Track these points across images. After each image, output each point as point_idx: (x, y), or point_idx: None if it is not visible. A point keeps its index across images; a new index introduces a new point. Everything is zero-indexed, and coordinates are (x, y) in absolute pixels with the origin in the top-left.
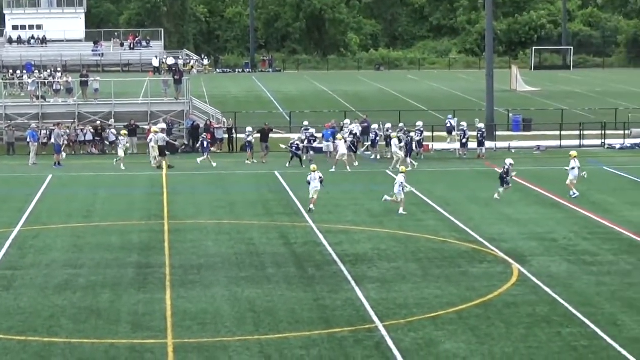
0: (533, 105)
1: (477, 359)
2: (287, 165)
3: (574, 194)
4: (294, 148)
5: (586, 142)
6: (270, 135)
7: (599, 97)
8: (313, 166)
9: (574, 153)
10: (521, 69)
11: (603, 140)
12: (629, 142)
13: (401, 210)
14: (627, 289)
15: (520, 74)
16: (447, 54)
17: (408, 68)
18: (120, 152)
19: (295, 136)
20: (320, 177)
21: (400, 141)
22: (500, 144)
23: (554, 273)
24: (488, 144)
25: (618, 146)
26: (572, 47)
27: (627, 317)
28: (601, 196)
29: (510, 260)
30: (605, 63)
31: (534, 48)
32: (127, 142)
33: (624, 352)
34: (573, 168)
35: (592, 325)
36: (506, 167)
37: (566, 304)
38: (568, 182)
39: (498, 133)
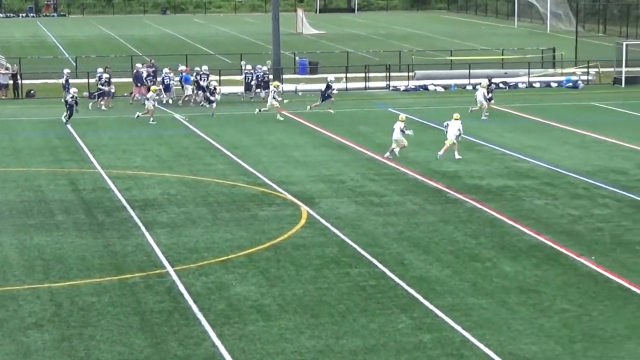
0: (319, 48)
1: (267, 302)
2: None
3: None
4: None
5: (371, 84)
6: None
7: (383, 39)
8: (456, 115)
9: None
10: (306, 12)
11: (388, 82)
12: (413, 83)
13: (393, 152)
14: (413, 229)
15: (306, 17)
16: None
17: (194, 12)
18: (149, 105)
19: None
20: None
21: (489, 91)
22: (287, 87)
23: (342, 214)
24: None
25: (402, 88)
26: None
27: (413, 256)
28: (387, 138)
29: (299, 203)
30: (389, 6)
31: None
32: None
33: (411, 291)
34: None
35: (379, 265)
36: None
37: (354, 245)
38: None
39: (285, 76)
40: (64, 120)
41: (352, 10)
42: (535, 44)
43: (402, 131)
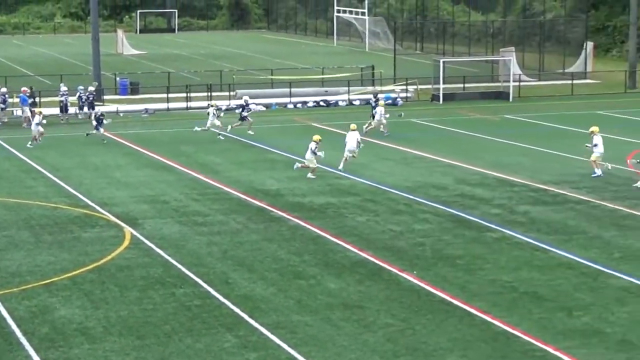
0: (140, 68)
1: (92, 324)
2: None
3: (596, 173)
4: None
5: (193, 104)
6: None
7: (204, 59)
8: (353, 125)
9: (596, 129)
10: (127, 32)
11: (209, 102)
12: (234, 103)
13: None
14: (237, 248)
15: (126, 37)
16: (52, 18)
17: (13, 33)
18: (35, 130)
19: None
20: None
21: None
22: (109, 108)
23: (166, 235)
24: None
25: (224, 107)
26: (176, 10)
27: (237, 275)
28: (209, 157)
29: (122, 224)
30: (209, 25)
31: (139, 11)
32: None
33: (236, 310)
34: (596, 145)
35: (204, 285)
36: None
37: (179, 265)
38: (593, 158)
39: (106, 97)
40: None
41: (173, 30)
42: (355, 62)
43: (314, 152)
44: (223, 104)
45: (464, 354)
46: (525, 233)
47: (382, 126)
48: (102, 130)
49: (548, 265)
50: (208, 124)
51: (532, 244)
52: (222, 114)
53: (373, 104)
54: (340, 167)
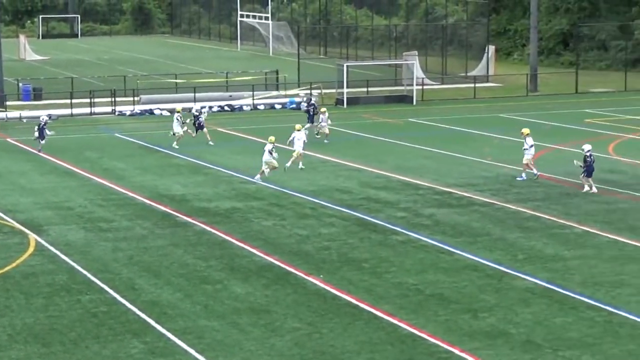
0: (43, 74)
1: None
2: None
3: (536, 174)
4: None
5: (97, 109)
6: None
7: (107, 64)
8: (298, 126)
9: (526, 130)
10: (29, 37)
11: (114, 107)
12: (138, 108)
13: (263, 173)
14: (143, 253)
15: (28, 42)
16: None
17: None
18: None
19: None
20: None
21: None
22: (12, 114)
23: (72, 241)
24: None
25: (128, 113)
26: (79, 16)
27: (143, 281)
28: (113, 163)
29: (27, 231)
30: (112, 31)
31: (41, 16)
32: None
33: (143, 315)
34: (532, 146)
35: (110, 291)
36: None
37: (85, 272)
38: (525, 161)
39: (8, 103)
40: None
41: (76, 36)
42: (259, 66)
43: (270, 153)
44: (127, 109)
45: (371, 356)
46: (430, 236)
47: (319, 130)
48: (43, 141)
49: (453, 267)
50: (174, 130)
51: (437, 246)
52: (187, 120)
53: (305, 109)
54: (288, 164)
